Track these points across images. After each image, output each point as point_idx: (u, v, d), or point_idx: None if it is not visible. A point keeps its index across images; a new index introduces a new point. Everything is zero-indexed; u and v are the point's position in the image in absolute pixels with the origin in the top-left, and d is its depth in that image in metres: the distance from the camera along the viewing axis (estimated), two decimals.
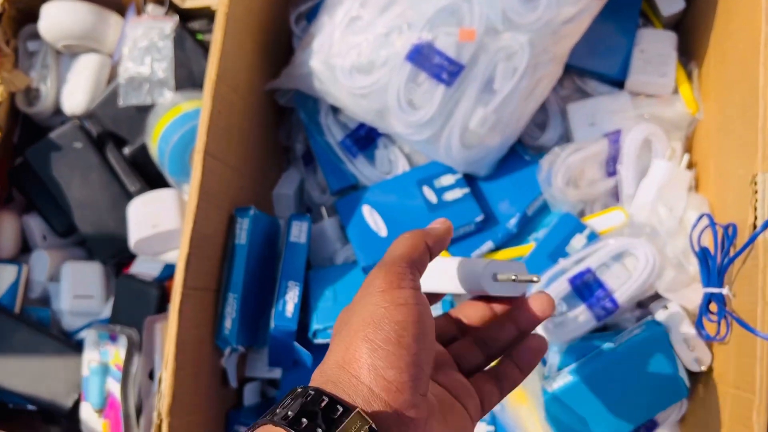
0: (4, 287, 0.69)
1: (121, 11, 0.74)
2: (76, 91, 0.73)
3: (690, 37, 0.64)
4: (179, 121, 0.65)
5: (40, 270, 0.71)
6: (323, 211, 0.66)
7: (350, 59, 0.56)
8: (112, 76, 0.74)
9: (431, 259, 0.34)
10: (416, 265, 0.32)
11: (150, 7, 0.71)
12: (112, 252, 0.71)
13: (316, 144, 0.64)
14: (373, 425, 0.26)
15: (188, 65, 0.69)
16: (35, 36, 0.74)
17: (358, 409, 0.26)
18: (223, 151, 0.54)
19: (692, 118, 0.61)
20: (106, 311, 0.69)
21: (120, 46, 0.72)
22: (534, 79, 0.54)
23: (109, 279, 0.72)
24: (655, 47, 0.62)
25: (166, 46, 0.68)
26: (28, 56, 0.75)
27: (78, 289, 0.70)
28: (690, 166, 0.61)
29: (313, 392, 0.28)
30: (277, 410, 0.28)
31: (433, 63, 0.53)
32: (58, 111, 0.75)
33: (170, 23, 0.68)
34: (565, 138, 0.64)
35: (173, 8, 0.71)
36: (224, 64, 0.52)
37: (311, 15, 0.65)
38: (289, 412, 0.27)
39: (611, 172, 0.60)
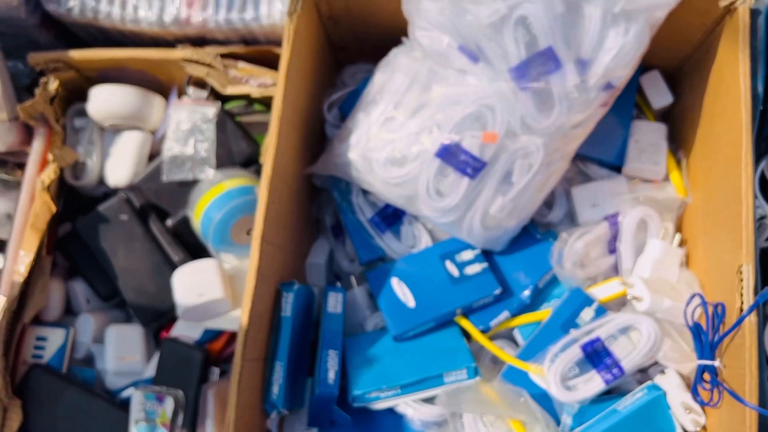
0: (53, 350, 0.74)
1: (164, 92, 0.81)
2: (120, 166, 0.79)
3: (678, 127, 0.72)
4: (223, 199, 0.72)
5: (85, 332, 0.76)
6: (353, 280, 0.72)
7: (385, 153, 0.63)
8: (153, 150, 0.81)
9: None
10: None
11: (191, 90, 0.78)
12: (153, 316, 0.76)
13: (347, 220, 0.71)
14: None
15: (228, 145, 0.76)
16: (82, 113, 0.81)
17: None
18: (273, 234, 0.61)
19: (682, 201, 0.69)
20: (148, 371, 0.75)
21: (164, 125, 0.79)
22: (547, 174, 0.62)
23: (149, 340, 0.77)
24: (648, 138, 0.71)
25: (209, 128, 0.75)
26: (74, 132, 0.81)
27: (121, 350, 0.75)
28: (681, 244, 0.69)
29: None
30: None
31: (459, 160, 0.60)
32: (100, 181, 0.81)
33: (213, 109, 0.75)
34: (569, 216, 0.72)
35: (214, 92, 0.78)
36: (278, 160, 0.59)
37: (345, 106, 0.73)
38: None
39: (612, 250, 0.68)
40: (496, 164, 0.61)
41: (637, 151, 0.71)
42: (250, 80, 0.74)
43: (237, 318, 0.71)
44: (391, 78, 0.64)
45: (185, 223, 0.76)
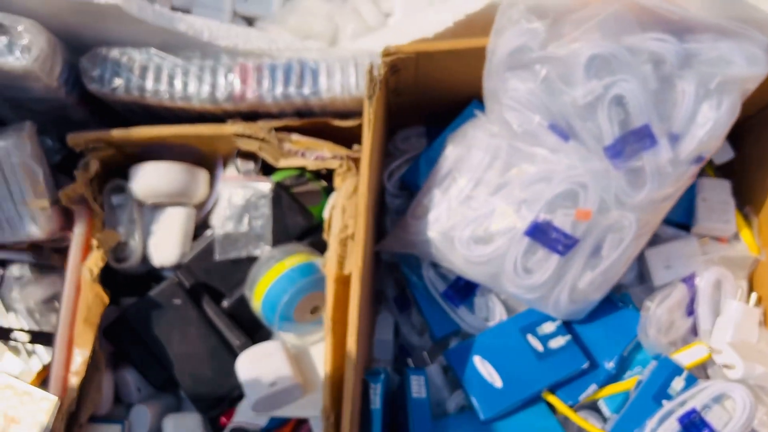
0: None
1: (205, 164, 0.77)
2: (166, 245, 0.75)
3: (743, 183, 0.72)
4: (286, 280, 0.68)
5: (141, 425, 0.72)
6: (426, 356, 0.70)
7: (468, 232, 0.61)
8: (198, 225, 0.77)
9: None
10: None
11: (239, 163, 0.75)
12: (212, 403, 0.72)
13: (419, 295, 0.69)
14: None
15: (283, 220, 0.73)
16: (119, 190, 0.76)
17: None
18: (359, 326, 0.58)
19: (754, 259, 0.69)
20: None
21: (211, 200, 0.75)
22: (635, 246, 0.61)
23: (208, 428, 0.73)
24: (715, 195, 0.71)
25: (264, 204, 0.72)
26: (112, 210, 0.77)
27: None
28: (757, 303, 0.68)
29: None
30: None
31: (550, 238, 0.59)
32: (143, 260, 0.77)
33: (268, 184, 0.72)
34: (640, 277, 0.71)
35: (264, 164, 0.74)
36: (365, 252, 0.56)
37: (408, 176, 0.71)
38: None
39: (689, 312, 0.68)
40: (587, 239, 0.60)
41: (706, 209, 0.70)
42: (306, 153, 0.72)
43: (309, 403, 0.68)
44: (468, 154, 0.63)
45: (242, 303, 0.73)
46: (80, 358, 0.67)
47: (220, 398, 0.73)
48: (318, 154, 0.71)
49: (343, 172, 0.70)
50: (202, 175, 0.76)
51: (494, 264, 0.62)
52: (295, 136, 0.72)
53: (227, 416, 0.73)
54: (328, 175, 0.79)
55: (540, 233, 0.59)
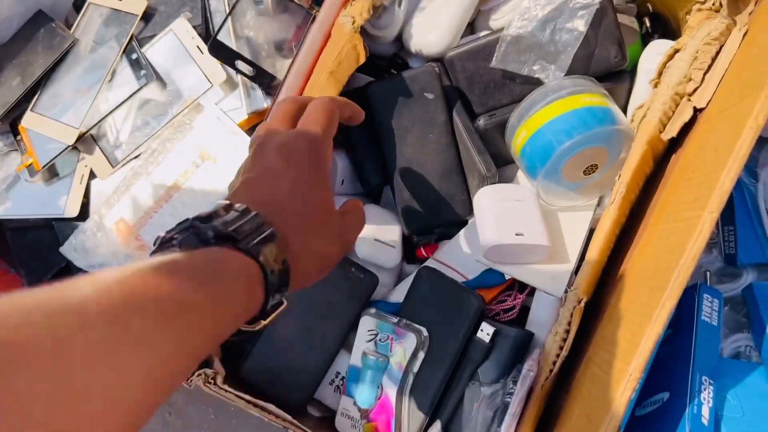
0: None
1: None
2: (432, 27, 0.60)
3: None
4: (576, 119, 0.53)
5: None
6: (708, 275, 0.54)
7: None
8: (473, 18, 0.62)
9: None
10: None
11: None
12: (420, 228, 0.60)
13: (742, 205, 0.52)
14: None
15: (593, 47, 0.56)
16: None
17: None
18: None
19: None
20: (395, 296, 0.59)
21: None
22: None
23: (400, 246, 0.61)
24: None
25: (583, 15, 0.55)
26: None
27: (379, 233, 0.59)
28: None
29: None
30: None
31: None
32: (398, 38, 0.63)
33: None
34: None
35: None
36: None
37: None
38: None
39: None
40: None
41: None
42: None
43: (548, 275, 0.54)
44: None
45: (498, 130, 0.58)
46: None
47: (431, 228, 0.60)
48: None
49: (707, 9, 0.52)
50: None
51: None
52: None
53: (428, 250, 0.61)
54: (654, 16, 0.61)
55: None
